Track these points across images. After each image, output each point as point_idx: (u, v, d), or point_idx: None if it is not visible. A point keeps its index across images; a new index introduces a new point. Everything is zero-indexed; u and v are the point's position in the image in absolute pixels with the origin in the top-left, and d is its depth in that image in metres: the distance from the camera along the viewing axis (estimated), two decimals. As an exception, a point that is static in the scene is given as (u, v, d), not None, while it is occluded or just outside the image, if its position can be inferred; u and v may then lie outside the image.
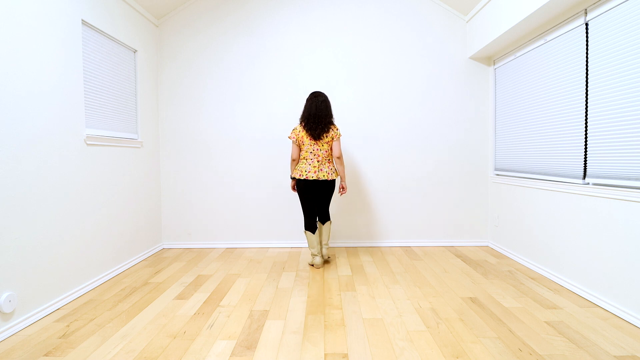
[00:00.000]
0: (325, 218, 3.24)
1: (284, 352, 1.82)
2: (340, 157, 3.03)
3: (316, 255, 3.11)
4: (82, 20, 2.67)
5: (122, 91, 3.21)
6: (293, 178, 3.11)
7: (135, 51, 3.41)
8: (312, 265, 3.18)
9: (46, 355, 1.80)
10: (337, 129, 3.03)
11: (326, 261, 3.31)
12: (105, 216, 2.92)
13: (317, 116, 2.94)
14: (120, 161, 3.13)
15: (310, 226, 3.13)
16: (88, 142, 2.70)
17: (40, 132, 2.26)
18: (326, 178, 2.99)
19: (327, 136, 2.98)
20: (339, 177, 3.06)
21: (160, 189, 3.88)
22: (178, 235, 3.92)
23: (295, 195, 3.89)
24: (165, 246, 3.91)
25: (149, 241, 3.63)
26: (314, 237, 3.12)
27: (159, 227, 3.85)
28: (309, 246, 3.14)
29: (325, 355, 1.79)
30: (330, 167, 3.04)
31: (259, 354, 1.80)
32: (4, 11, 2.02)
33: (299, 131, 2.99)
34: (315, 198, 3.11)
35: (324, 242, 3.22)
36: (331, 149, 3.05)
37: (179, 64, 3.84)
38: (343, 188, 3.15)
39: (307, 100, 3.02)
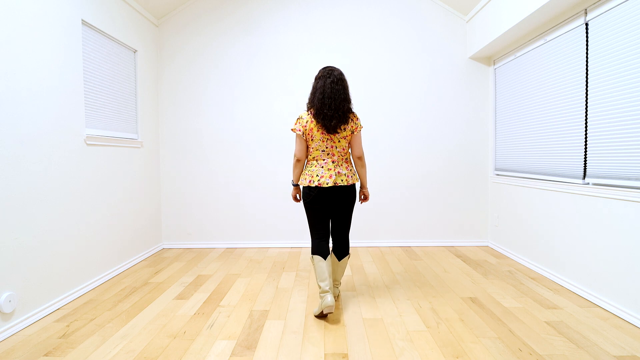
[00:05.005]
0: (343, 249, 2.38)
1: (284, 352, 1.82)
2: (361, 157, 2.32)
3: (327, 292, 2.14)
4: (82, 20, 2.67)
5: (122, 91, 3.21)
6: (296, 185, 2.39)
7: (135, 51, 3.41)
8: (321, 312, 2.19)
9: (46, 355, 1.80)
10: (357, 119, 2.28)
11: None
12: (105, 216, 2.92)
13: (333, 100, 2.17)
14: (120, 161, 3.13)
15: (320, 249, 2.27)
16: (88, 142, 2.70)
17: (41, 132, 2.26)
18: (345, 183, 2.24)
19: (345, 129, 2.23)
20: (358, 181, 2.09)
21: (160, 189, 3.88)
22: (178, 235, 3.92)
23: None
24: (165, 246, 3.91)
25: (149, 241, 3.63)
26: (325, 266, 2.21)
27: (159, 227, 3.85)
28: (317, 278, 2.20)
29: (325, 355, 1.79)
30: (349, 169, 2.30)
31: (259, 354, 1.80)
32: (4, 11, 2.02)
33: (307, 121, 2.23)
34: (330, 212, 2.34)
35: (335, 282, 2.41)
36: (349, 145, 2.33)
37: (179, 64, 3.84)
38: (365, 197, 2.44)
39: (317, 78, 2.25)
